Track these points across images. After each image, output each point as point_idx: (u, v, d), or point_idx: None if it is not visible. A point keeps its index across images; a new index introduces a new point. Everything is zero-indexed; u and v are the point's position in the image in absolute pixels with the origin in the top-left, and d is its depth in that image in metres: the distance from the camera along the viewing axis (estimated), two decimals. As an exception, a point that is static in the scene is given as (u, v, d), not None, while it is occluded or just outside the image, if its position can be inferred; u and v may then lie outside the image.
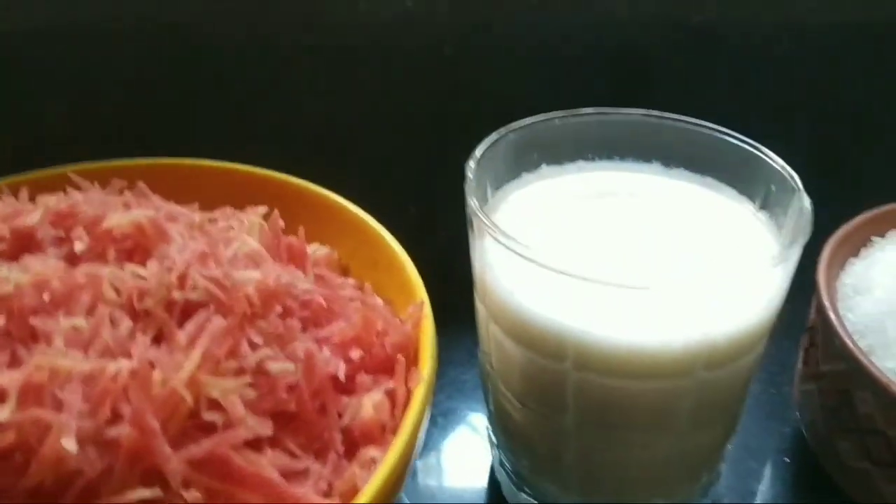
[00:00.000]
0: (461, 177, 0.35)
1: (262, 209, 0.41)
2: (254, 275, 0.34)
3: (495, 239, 0.32)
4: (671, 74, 0.59)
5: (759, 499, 0.42)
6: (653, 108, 0.39)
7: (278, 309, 0.35)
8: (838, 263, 0.42)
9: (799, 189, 0.34)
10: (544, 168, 0.40)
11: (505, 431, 0.39)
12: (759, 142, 0.37)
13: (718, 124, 0.38)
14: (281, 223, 0.40)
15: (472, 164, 0.35)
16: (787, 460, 0.44)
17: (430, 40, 0.56)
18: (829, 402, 0.39)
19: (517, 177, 0.39)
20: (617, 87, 0.59)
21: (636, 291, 0.30)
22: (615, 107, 0.39)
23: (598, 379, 0.32)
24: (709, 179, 0.39)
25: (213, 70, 0.55)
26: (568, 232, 0.36)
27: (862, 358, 0.36)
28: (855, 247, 0.44)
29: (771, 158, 0.36)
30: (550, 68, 0.58)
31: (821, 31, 0.58)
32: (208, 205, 0.43)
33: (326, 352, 0.34)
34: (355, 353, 0.35)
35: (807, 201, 0.34)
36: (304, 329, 0.36)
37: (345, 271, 0.42)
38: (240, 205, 0.43)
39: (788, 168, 0.35)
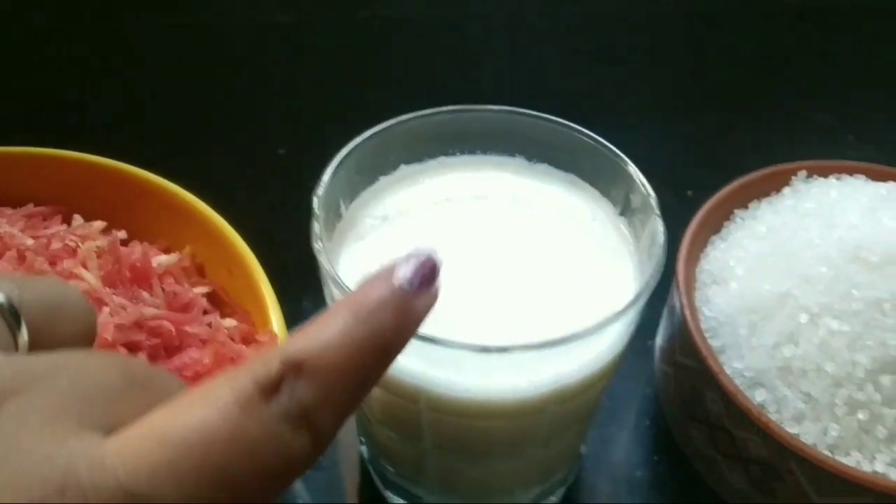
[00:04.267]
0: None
1: (101, 224, 0.38)
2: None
3: (342, 293, 0.30)
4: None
5: (617, 464, 0.44)
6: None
7: (122, 351, 0.33)
8: (701, 244, 0.43)
9: (656, 213, 0.34)
10: (403, 168, 0.38)
11: (369, 438, 0.39)
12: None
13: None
14: (122, 235, 0.38)
15: (320, 192, 0.33)
16: (648, 423, 0.46)
17: None
18: (682, 392, 0.40)
19: (374, 181, 0.37)
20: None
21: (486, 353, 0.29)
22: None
23: (452, 419, 0.32)
24: (572, 176, 0.38)
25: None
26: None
27: (712, 363, 0.37)
28: (718, 222, 0.44)
29: (630, 168, 0.35)
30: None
31: None
32: (45, 198, 0.40)
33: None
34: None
35: (660, 225, 0.33)
36: (153, 361, 0.35)
37: (199, 270, 0.40)
38: (79, 200, 0.40)
39: (647, 186, 0.35)
